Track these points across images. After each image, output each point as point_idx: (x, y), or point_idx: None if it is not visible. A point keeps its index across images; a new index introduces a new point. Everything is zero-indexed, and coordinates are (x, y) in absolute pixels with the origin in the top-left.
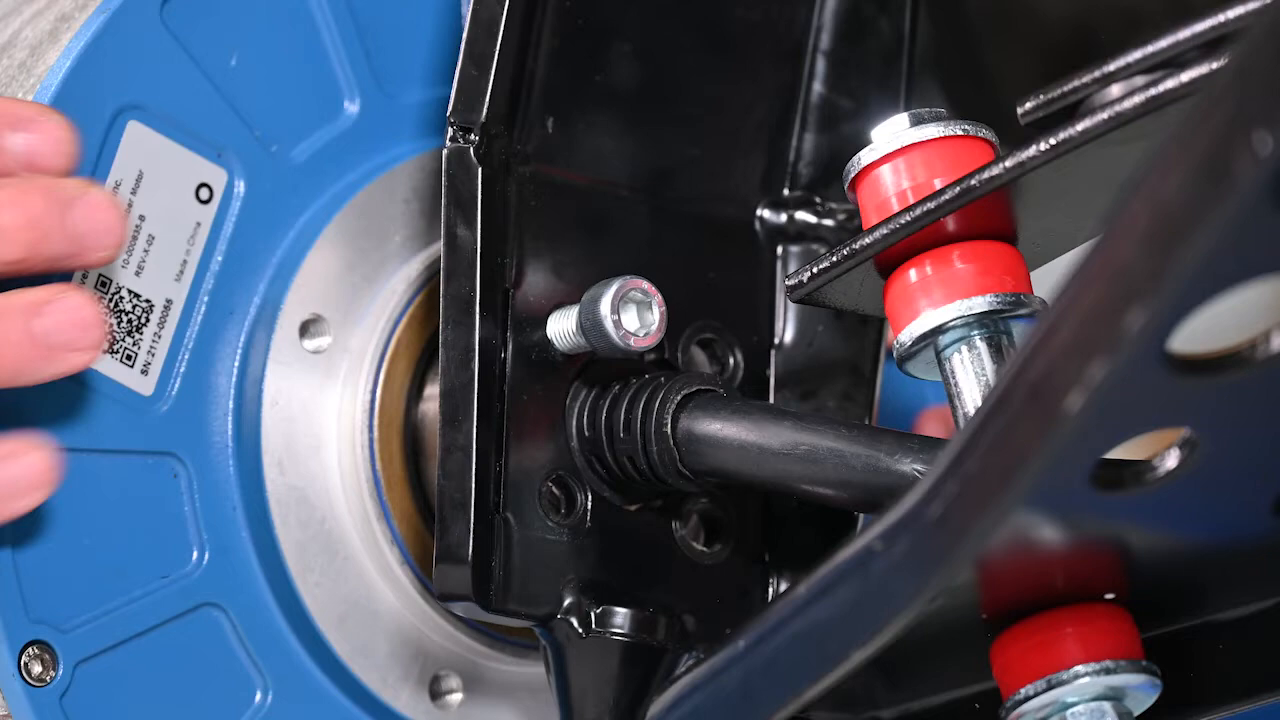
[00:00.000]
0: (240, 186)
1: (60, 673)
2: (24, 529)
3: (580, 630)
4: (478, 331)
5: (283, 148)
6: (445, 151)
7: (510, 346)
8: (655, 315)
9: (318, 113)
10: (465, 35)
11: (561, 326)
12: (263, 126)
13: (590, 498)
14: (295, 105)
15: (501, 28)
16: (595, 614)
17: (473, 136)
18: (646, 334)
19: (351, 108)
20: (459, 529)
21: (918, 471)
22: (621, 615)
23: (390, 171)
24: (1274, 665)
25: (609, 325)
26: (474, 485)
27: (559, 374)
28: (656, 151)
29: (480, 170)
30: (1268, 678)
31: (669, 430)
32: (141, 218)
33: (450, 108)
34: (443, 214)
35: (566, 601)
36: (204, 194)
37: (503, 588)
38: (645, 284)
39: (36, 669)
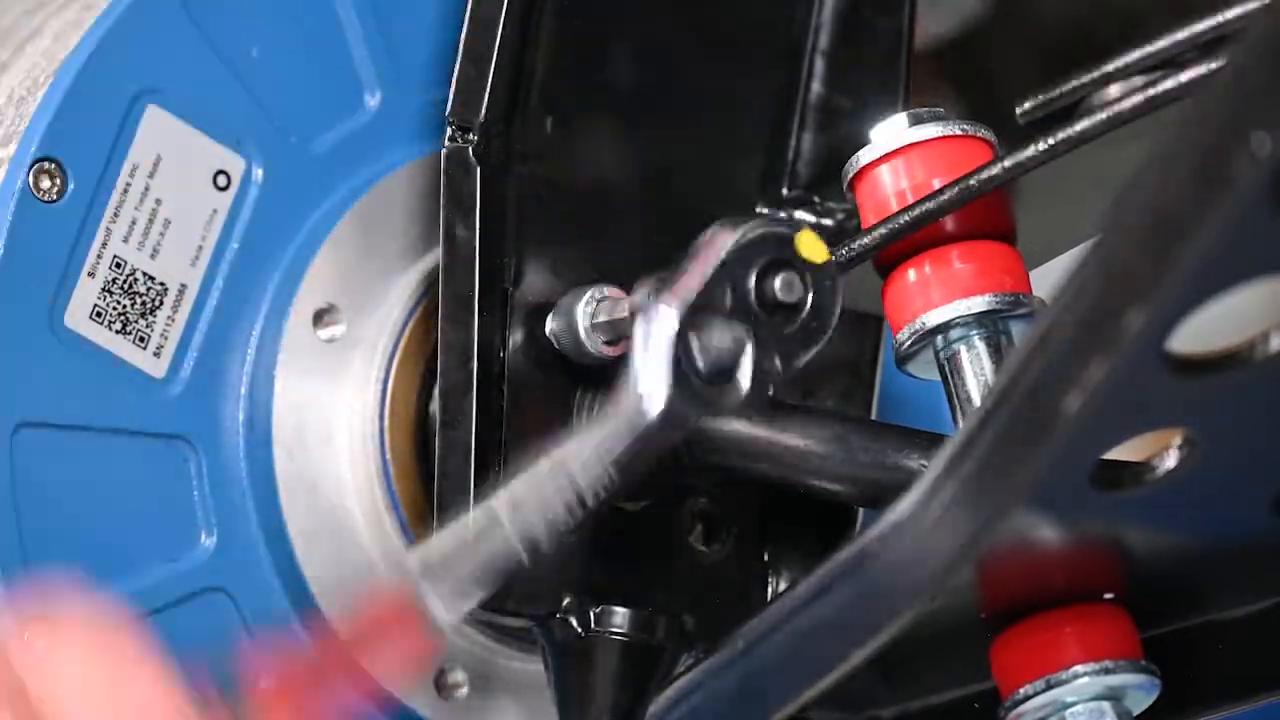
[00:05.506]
0: (258, 174)
1: None
2: (31, 506)
3: (579, 630)
4: (476, 331)
5: (302, 138)
6: (444, 151)
7: (509, 346)
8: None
9: (338, 105)
10: (464, 34)
11: None
12: (283, 116)
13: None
14: (316, 96)
15: (500, 27)
16: (594, 613)
17: (471, 136)
18: (619, 340)
19: (373, 101)
20: None
21: (924, 467)
22: (620, 615)
23: (409, 166)
24: (1274, 665)
25: (582, 333)
26: (473, 485)
27: (559, 372)
28: (655, 150)
29: (479, 170)
30: (1268, 678)
31: None
32: (158, 201)
33: (449, 107)
34: (441, 214)
35: (565, 601)
36: (221, 181)
37: (501, 587)
38: (618, 291)
39: None
